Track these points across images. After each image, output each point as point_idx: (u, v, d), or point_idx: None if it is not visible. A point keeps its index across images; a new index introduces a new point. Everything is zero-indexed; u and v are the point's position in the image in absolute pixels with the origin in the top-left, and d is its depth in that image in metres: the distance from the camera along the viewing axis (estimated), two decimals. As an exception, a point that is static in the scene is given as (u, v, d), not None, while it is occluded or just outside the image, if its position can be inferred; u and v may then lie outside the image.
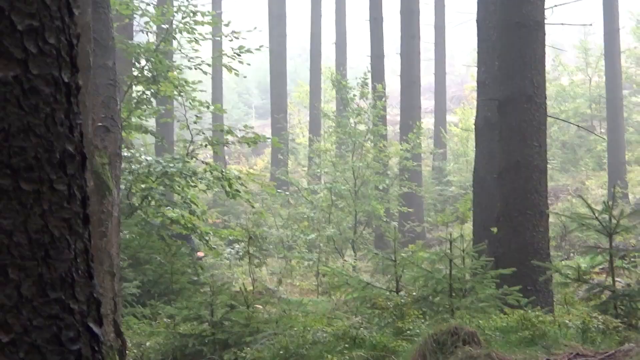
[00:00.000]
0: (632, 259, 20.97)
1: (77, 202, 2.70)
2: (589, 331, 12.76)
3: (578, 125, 42.19)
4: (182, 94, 24.28)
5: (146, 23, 24.63)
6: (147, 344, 16.58)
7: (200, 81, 25.68)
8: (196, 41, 24.72)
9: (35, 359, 2.55)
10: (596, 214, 14.57)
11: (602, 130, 46.32)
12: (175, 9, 23.50)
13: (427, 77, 50.05)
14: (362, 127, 35.14)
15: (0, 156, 2.53)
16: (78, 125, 2.78)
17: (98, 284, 2.79)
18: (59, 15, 2.78)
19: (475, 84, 20.69)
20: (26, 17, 2.64)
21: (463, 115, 48.74)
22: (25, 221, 2.55)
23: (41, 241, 2.61)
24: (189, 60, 25.19)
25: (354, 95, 36.35)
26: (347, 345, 12.48)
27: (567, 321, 13.61)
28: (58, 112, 2.72)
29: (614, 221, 14.63)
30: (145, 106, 22.49)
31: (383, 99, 37.85)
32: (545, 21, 17.38)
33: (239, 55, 25.43)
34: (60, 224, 2.66)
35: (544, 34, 17.04)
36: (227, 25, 27.07)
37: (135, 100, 21.74)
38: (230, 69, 26.82)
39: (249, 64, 26.68)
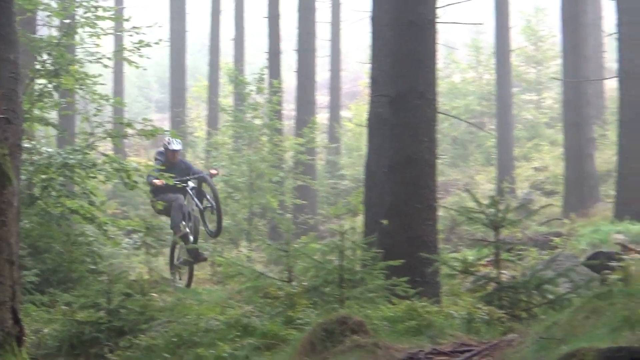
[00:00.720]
0: (517, 252, 21.22)
1: None
2: (474, 321, 12.84)
3: (468, 122, 42.47)
4: (83, 87, 23.98)
5: (48, 16, 24.22)
6: (45, 330, 16.14)
7: (101, 75, 25.16)
8: (97, 36, 24.26)
9: None
10: (483, 208, 14.68)
11: (492, 127, 46.17)
12: (77, 4, 23.12)
13: (323, 74, 50.04)
14: (258, 122, 35.00)
15: None
16: None
17: None
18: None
19: (368, 80, 20.70)
20: None
21: (357, 111, 48.72)
22: None
23: None
24: (90, 55, 24.82)
25: (251, 90, 36.00)
26: (238, 334, 12.43)
27: (453, 312, 13.69)
28: None
29: (500, 215, 14.73)
30: (47, 99, 21.84)
31: (279, 94, 37.60)
32: (438, 20, 17.44)
33: (138, 49, 25.09)
34: None
35: (436, 33, 16.96)
36: (127, 20, 26.70)
37: (37, 93, 21.14)
38: (130, 62, 26.38)
39: (149, 58, 26.36)
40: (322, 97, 49.16)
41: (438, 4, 17.55)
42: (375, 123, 19.46)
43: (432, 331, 12.10)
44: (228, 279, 20.41)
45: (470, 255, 17.30)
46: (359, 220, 23.75)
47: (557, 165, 39.79)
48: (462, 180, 42.54)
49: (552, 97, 53.67)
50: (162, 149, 25.24)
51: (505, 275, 15.15)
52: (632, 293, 10.43)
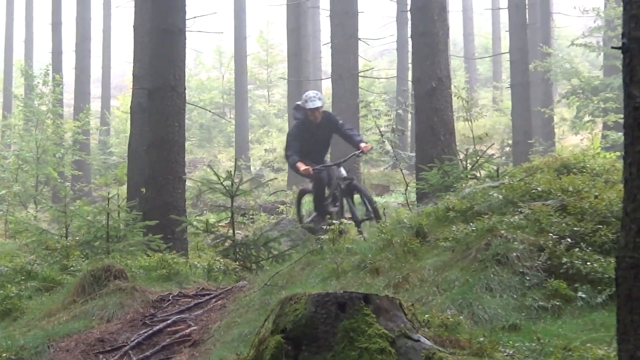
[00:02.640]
0: (250, 216, 21.68)
1: None
2: (213, 271, 12.87)
3: (212, 112, 43.88)
4: None
5: None
6: None
7: None
8: None
9: None
10: (221, 180, 14.97)
11: (232, 116, 47.14)
12: None
13: (96, 71, 49.64)
14: (44, 108, 35.17)
15: None
16: None
17: None
18: None
19: (132, 76, 20.66)
20: None
21: (124, 100, 48.30)
22: None
23: None
24: None
25: (38, 82, 36.41)
26: (23, 278, 12.43)
27: (196, 263, 13.70)
28: None
29: (235, 186, 15.01)
30: None
31: (60, 87, 38.28)
32: (187, 29, 17.71)
33: None
34: None
35: (185, 39, 17.30)
36: None
37: None
38: None
39: None
40: (95, 90, 48.92)
41: (188, 15, 17.87)
42: (137, 111, 19.94)
43: (179, 278, 12.11)
44: (17, 234, 20.56)
45: (212, 218, 17.41)
46: (124, 188, 23.65)
47: (281, 147, 40.44)
48: (207, 159, 42.91)
49: (280, 93, 54.83)
50: (298, 114, 17.32)
51: (240, 234, 15.47)
52: (338, 250, 10.53)
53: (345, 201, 16.95)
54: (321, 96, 16.70)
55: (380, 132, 29.85)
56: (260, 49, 55.82)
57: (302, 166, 16.27)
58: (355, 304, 6.57)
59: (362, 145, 16.79)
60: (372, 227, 15.16)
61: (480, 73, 52.28)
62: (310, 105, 16.46)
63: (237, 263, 13.78)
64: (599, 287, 8.02)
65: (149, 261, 12.55)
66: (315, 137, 16.91)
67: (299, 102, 17.23)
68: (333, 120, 17.41)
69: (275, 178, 31.52)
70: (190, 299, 10.46)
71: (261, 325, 6.82)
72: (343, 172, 16.97)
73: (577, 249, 8.59)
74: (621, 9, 26.52)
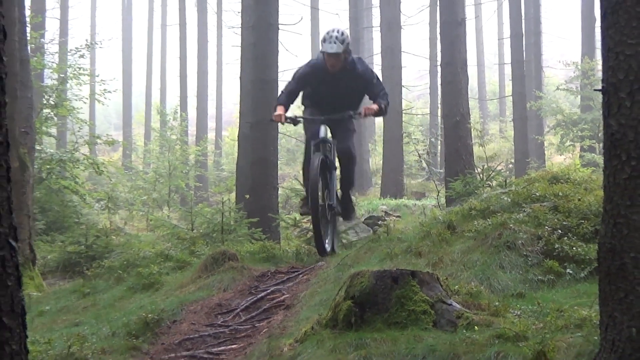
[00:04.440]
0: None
1: (4, 170, 2.63)
2: (300, 254, 12.84)
3: (295, 139, 42.93)
4: (71, 114, 24.92)
5: (52, 71, 25.07)
6: (49, 257, 16.91)
7: (81, 107, 27.17)
8: (80, 84, 26.28)
9: None
10: (302, 189, 15.06)
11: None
12: (69, 65, 25.21)
13: (212, 109, 49.83)
14: (174, 137, 35.93)
15: None
16: (4, 125, 2.68)
17: (16, 218, 2.72)
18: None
19: (239, 113, 20.89)
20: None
21: (232, 131, 48.24)
22: None
23: None
24: (75, 95, 26.22)
25: (169, 118, 37.34)
26: (162, 260, 12.52)
27: (287, 248, 13.70)
28: None
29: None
30: (49, 121, 23.02)
31: (185, 121, 39.37)
32: (280, 79, 17.83)
33: (103, 93, 28.21)
34: None
35: (277, 86, 17.29)
36: (97, 76, 29.51)
37: (44, 117, 21.94)
38: (99, 100, 30.15)
39: (109, 99, 28.63)
40: (211, 123, 49.27)
41: (279, 70, 17.98)
42: (242, 138, 20.17)
43: (275, 259, 12.08)
44: (156, 228, 20.93)
45: (297, 216, 17.38)
46: (233, 195, 23.77)
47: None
48: (292, 173, 42.54)
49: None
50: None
51: (318, 227, 15.38)
52: (391, 239, 10.49)
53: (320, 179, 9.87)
54: (345, 37, 9.34)
55: (418, 154, 30.18)
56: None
57: (276, 110, 9.84)
58: (404, 278, 6.60)
59: (366, 107, 9.78)
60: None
61: (490, 110, 51.98)
62: (325, 47, 9.35)
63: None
64: (582, 266, 8.10)
65: (253, 247, 12.59)
66: (331, 88, 9.83)
67: None
68: (363, 75, 9.86)
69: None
70: (283, 275, 10.47)
71: (336, 294, 6.85)
72: (322, 132, 9.86)
73: (566, 238, 8.68)
74: (594, 63, 26.64)
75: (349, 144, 9.73)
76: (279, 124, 9.69)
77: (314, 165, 9.02)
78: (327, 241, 9.40)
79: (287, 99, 9.66)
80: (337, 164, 10.23)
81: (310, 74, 9.84)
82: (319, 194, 9.05)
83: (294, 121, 9.48)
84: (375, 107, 9.52)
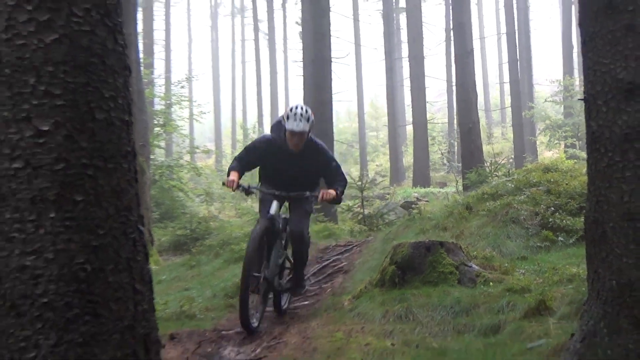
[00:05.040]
0: (371, 201, 21.40)
1: (133, 173, 2.63)
2: (353, 232, 12.83)
3: (346, 144, 42.61)
4: (175, 131, 25.01)
5: (160, 99, 25.21)
6: (162, 239, 16.93)
7: (183, 125, 27.25)
8: (182, 108, 26.48)
9: (112, 242, 2.47)
10: (355, 181, 14.91)
11: (357, 147, 46.18)
12: (172, 94, 25.25)
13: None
14: None
15: (100, 151, 2.47)
16: (132, 139, 2.69)
17: (142, 210, 2.74)
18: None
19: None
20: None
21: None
22: (110, 182, 2.47)
23: (117, 189, 2.53)
24: (179, 117, 26.28)
25: (250, 131, 37.09)
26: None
27: (343, 227, 13.73)
28: (125, 131, 2.63)
29: (362, 184, 14.95)
30: (159, 137, 22.98)
31: (262, 134, 38.39)
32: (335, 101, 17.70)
33: (200, 114, 28.45)
34: (126, 181, 2.59)
35: (331, 109, 17.20)
36: (195, 101, 29.92)
37: (156, 134, 21.96)
38: (197, 119, 30.59)
39: (204, 119, 29.09)
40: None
41: (334, 95, 17.74)
42: None
43: (335, 236, 12.10)
44: (242, 215, 20.93)
45: (350, 203, 17.32)
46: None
47: (386, 162, 39.67)
48: (345, 171, 42.07)
49: (383, 133, 53.82)
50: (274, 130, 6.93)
51: (367, 211, 15.26)
52: (422, 218, 10.43)
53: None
54: (310, 114, 6.68)
55: (441, 153, 30.04)
56: (371, 108, 54.85)
57: (229, 175, 6.71)
58: (435, 247, 6.57)
59: (324, 191, 6.68)
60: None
61: (494, 118, 51.22)
62: (290, 125, 6.57)
63: (367, 227, 13.67)
64: (571, 234, 8.04)
65: (318, 228, 12.58)
66: (289, 166, 6.82)
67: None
68: (323, 156, 6.88)
69: (383, 180, 31.27)
70: (341, 247, 10.48)
71: (383, 261, 6.83)
72: (273, 208, 6.64)
73: (557, 213, 8.58)
74: (573, 80, 26.13)
75: (302, 227, 6.65)
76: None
77: (255, 233, 6.25)
78: (255, 317, 6.09)
79: (241, 167, 6.63)
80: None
81: (265, 150, 6.66)
82: (256, 264, 6.20)
83: (247, 191, 6.56)
84: (333, 192, 6.54)
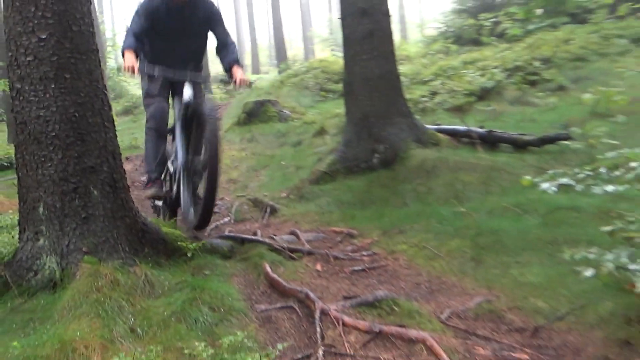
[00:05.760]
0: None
1: (98, 61, 2.77)
2: (222, 98, 12.67)
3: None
4: None
5: None
6: (118, 108, 14.53)
7: None
8: None
9: (90, 99, 2.75)
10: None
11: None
12: None
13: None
14: None
15: (77, 49, 2.61)
16: (95, 42, 2.78)
17: (106, 82, 2.24)
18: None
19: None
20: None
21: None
22: (85, 66, 2.66)
23: (90, 70, 2.70)
24: None
25: None
26: None
27: (213, 95, 13.34)
28: (92, 37, 2.73)
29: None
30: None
31: None
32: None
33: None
34: (94, 65, 2.76)
35: None
36: None
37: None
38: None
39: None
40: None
41: None
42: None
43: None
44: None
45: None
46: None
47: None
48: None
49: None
50: None
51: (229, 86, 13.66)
52: (259, 89, 10.93)
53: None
54: None
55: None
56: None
57: (127, 56, 3.16)
58: (265, 102, 7.22)
59: (238, 74, 3.33)
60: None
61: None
62: None
63: (228, 95, 12.77)
64: (335, 93, 8.52)
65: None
66: (178, 27, 3.42)
67: None
68: (213, 11, 3.45)
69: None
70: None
71: (239, 111, 7.23)
72: (188, 92, 3.26)
73: (328, 82, 9.84)
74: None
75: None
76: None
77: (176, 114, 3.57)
78: (191, 207, 3.41)
79: (137, 42, 3.46)
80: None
81: (159, 10, 3.55)
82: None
83: (152, 78, 3.57)
84: (248, 78, 3.54)
